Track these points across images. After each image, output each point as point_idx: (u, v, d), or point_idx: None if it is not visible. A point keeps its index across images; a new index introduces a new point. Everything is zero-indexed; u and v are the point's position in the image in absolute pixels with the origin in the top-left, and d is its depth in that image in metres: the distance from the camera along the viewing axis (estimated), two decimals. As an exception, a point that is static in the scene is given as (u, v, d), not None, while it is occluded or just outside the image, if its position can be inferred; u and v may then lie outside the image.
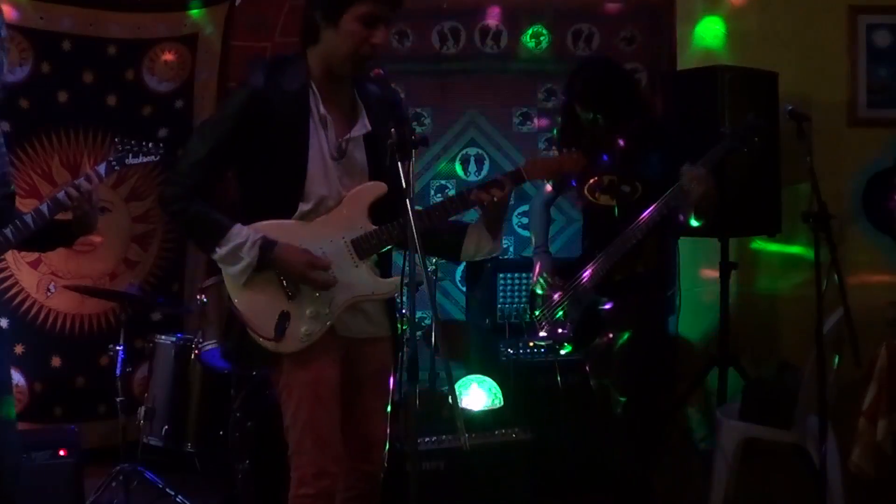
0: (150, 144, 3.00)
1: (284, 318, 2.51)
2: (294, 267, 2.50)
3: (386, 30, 2.53)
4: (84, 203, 2.71)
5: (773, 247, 4.84)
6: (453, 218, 2.66)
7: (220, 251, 2.49)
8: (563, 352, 3.70)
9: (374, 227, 2.58)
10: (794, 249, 4.77)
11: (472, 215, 2.73)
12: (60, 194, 2.71)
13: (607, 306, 3.55)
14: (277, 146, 2.51)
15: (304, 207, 2.54)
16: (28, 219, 2.70)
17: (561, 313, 3.62)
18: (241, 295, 2.54)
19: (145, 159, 2.97)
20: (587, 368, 3.71)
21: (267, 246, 2.47)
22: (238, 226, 2.49)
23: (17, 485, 2.68)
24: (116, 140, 3.00)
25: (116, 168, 2.91)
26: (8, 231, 2.68)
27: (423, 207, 2.63)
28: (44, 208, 2.71)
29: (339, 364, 2.58)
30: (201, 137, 2.57)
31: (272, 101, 2.50)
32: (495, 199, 2.60)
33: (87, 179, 2.75)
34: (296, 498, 2.52)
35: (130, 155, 2.95)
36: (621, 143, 3.55)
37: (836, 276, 2.97)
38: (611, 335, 3.56)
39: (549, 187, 3.85)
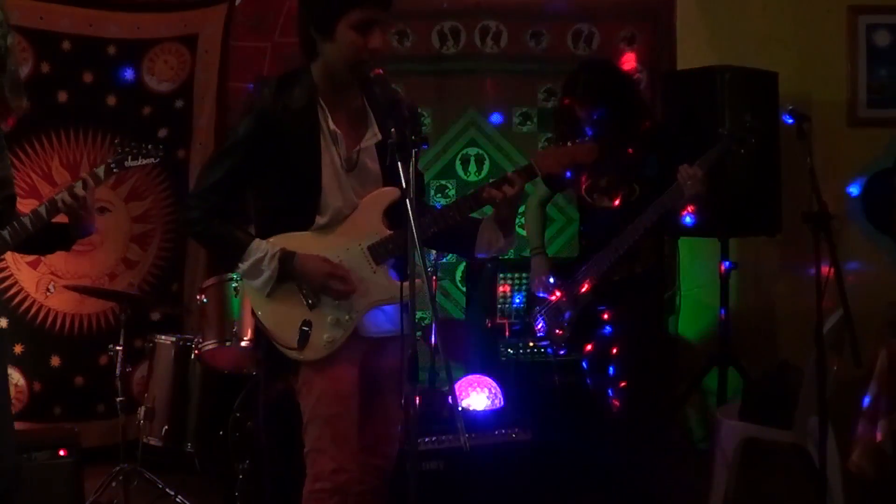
0: (150, 146, 2.99)
1: (306, 326, 2.56)
2: (314, 276, 2.55)
3: (382, 32, 2.53)
4: (78, 208, 2.71)
5: (773, 247, 4.84)
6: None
7: (243, 266, 2.57)
8: (560, 352, 3.70)
9: (390, 232, 2.61)
10: (794, 249, 4.77)
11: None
12: (58, 196, 2.71)
13: (604, 307, 3.55)
14: (291, 164, 2.56)
15: (320, 220, 2.59)
16: (26, 221, 2.70)
17: (558, 314, 3.61)
18: (264, 307, 2.61)
19: (145, 161, 2.97)
20: (584, 369, 3.70)
21: (286, 257, 2.53)
22: (257, 240, 2.56)
23: (17, 485, 2.68)
24: (116, 142, 2.99)
25: (115, 170, 2.90)
26: (5, 233, 2.68)
27: (437, 209, 2.66)
28: (42, 210, 2.71)
29: (358, 363, 2.62)
30: (216, 163, 2.63)
31: (281, 120, 2.54)
32: (507, 196, 2.60)
33: (83, 183, 2.74)
34: (312, 493, 2.54)
35: (130, 157, 2.94)
36: (623, 146, 3.55)
37: (836, 276, 2.97)
38: (608, 336, 3.56)
39: (544, 186, 3.84)
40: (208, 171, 2.64)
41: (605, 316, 3.56)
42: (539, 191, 3.88)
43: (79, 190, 2.69)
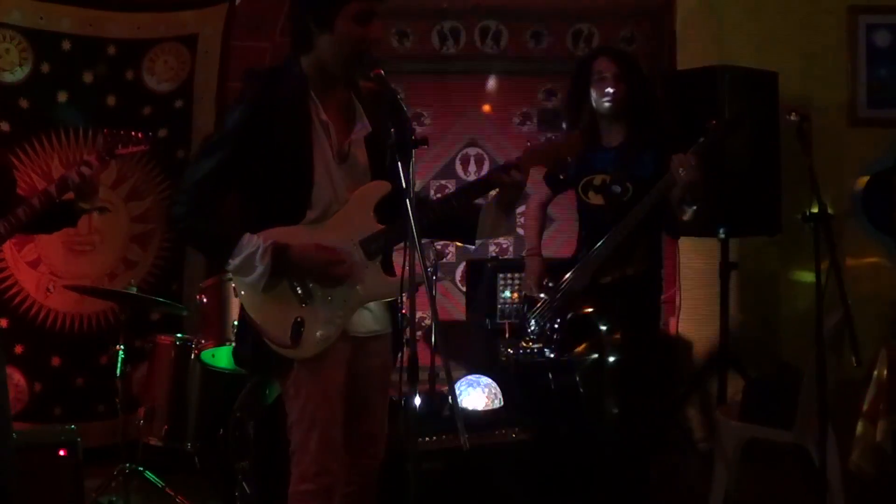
0: (140, 135, 3.03)
1: (299, 324, 2.52)
2: (311, 265, 2.50)
3: (379, 23, 2.51)
4: (85, 188, 2.78)
5: (773, 247, 4.84)
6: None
7: (234, 263, 2.49)
8: (550, 355, 3.67)
9: (381, 226, 2.59)
10: (794, 249, 4.77)
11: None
12: (51, 188, 2.78)
13: (595, 310, 3.51)
14: (282, 157, 2.51)
15: (311, 215, 2.56)
16: (20, 212, 2.76)
17: (549, 316, 3.59)
18: (255, 304, 2.55)
19: (135, 148, 3.00)
20: (576, 376, 3.67)
21: (279, 250, 2.48)
22: (247, 235, 2.49)
23: (15, 483, 2.69)
24: (105, 131, 3.03)
25: (107, 159, 2.94)
26: (0, 227, 2.75)
27: (443, 195, 2.64)
28: (35, 202, 2.78)
29: (345, 363, 2.59)
30: (205, 155, 2.57)
31: (272, 112, 2.50)
32: (516, 180, 2.59)
33: (87, 165, 2.81)
34: (296, 494, 2.53)
35: (120, 145, 2.98)
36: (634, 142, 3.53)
37: (836, 277, 2.97)
38: (599, 340, 3.53)
39: (545, 187, 3.83)
40: (196, 165, 2.57)
41: (596, 319, 3.53)
42: (540, 191, 3.86)
43: (85, 169, 2.75)
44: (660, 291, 3.74)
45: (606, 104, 3.54)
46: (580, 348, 3.61)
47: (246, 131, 2.50)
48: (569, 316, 3.55)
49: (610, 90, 3.52)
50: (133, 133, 3.03)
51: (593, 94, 3.58)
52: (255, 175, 2.53)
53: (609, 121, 3.60)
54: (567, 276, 3.55)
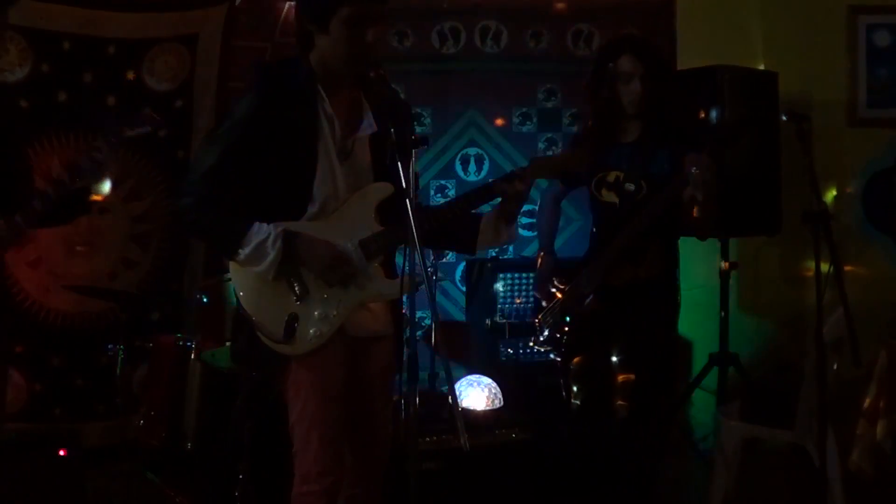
0: (144, 114, 3.08)
1: (293, 319, 2.51)
2: (318, 259, 2.50)
3: (378, 27, 2.51)
4: (98, 172, 2.91)
5: (773, 247, 4.84)
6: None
7: (244, 251, 2.48)
8: (558, 357, 3.64)
9: (381, 227, 2.59)
10: (794, 249, 4.77)
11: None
12: (64, 176, 2.87)
13: (606, 314, 3.48)
14: (286, 149, 2.52)
15: (311, 209, 2.56)
16: (37, 204, 2.81)
17: (559, 318, 3.57)
18: (250, 297, 2.55)
19: (141, 130, 3.05)
20: (575, 377, 3.64)
21: (290, 238, 2.48)
22: (257, 224, 2.49)
23: None
24: (112, 114, 3.11)
25: (115, 142, 2.99)
26: (18, 218, 2.82)
27: (444, 202, 2.65)
28: (50, 192, 2.85)
29: (345, 363, 2.59)
30: (211, 146, 2.57)
31: (280, 103, 2.51)
32: (518, 191, 2.59)
33: (97, 150, 2.87)
34: (299, 495, 2.53)
35: (126, 128, 3.02)
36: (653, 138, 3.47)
37: (836, 276, 2.97)
38: (608, 343, 3.51)
39: (559, 183, 3.79)
40: (203, 156, 2.58)
41: (607, 322, 3.50)
42: (554, 187, 3.81)
43: (96, 154, 2.81)
44: (675, 295, 3.62)
45: (635, 105, 3.45)
46: (588, 352, 3.58)
47: (254, 121, 2.50)
48: (578, 318, 3.51)
49: (639, 90, 3.43)
50: (146, 112, 3.09)
51: (621, 94, 3.46)
52: (259, 165, 2.53)
53: (627, 117, 3.55)
54: (579, 276, 3.51)
